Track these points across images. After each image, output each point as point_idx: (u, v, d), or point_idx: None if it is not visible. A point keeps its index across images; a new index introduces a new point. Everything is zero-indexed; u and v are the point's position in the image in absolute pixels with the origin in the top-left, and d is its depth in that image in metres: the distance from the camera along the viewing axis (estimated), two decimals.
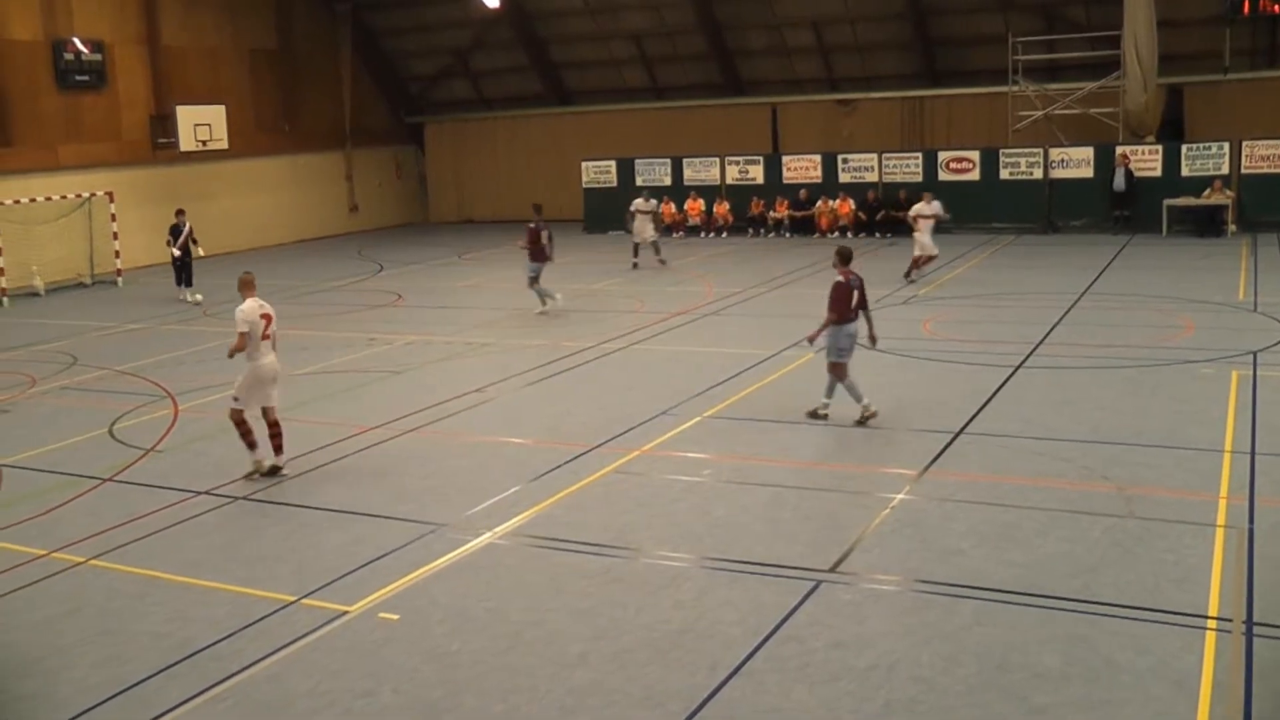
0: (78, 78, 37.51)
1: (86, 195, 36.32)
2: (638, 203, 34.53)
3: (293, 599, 10.67)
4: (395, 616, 10.21)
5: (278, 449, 14.62)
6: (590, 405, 17.56)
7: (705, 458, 14.57)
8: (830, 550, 11.28)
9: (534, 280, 25.82)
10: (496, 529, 12.29)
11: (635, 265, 33.54)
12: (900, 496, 12.79)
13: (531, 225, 25.82)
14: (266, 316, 14.62)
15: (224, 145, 40.12)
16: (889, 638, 9.38)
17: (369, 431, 16.46)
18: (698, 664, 9.10)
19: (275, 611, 10.42)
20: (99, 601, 10.97)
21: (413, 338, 23.58)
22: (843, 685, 8.66)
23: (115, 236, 36.21)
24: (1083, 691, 8.48)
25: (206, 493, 14.04)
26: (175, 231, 30.08)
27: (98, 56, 38.01)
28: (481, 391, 18.68)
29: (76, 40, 37.35)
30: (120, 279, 35.59)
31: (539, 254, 25.73)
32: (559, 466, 14.37)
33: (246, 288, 14.84)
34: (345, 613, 10.32)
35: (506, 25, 46.22)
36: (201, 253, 31.08)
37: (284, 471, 14.52)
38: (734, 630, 9.64)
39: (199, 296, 29.35)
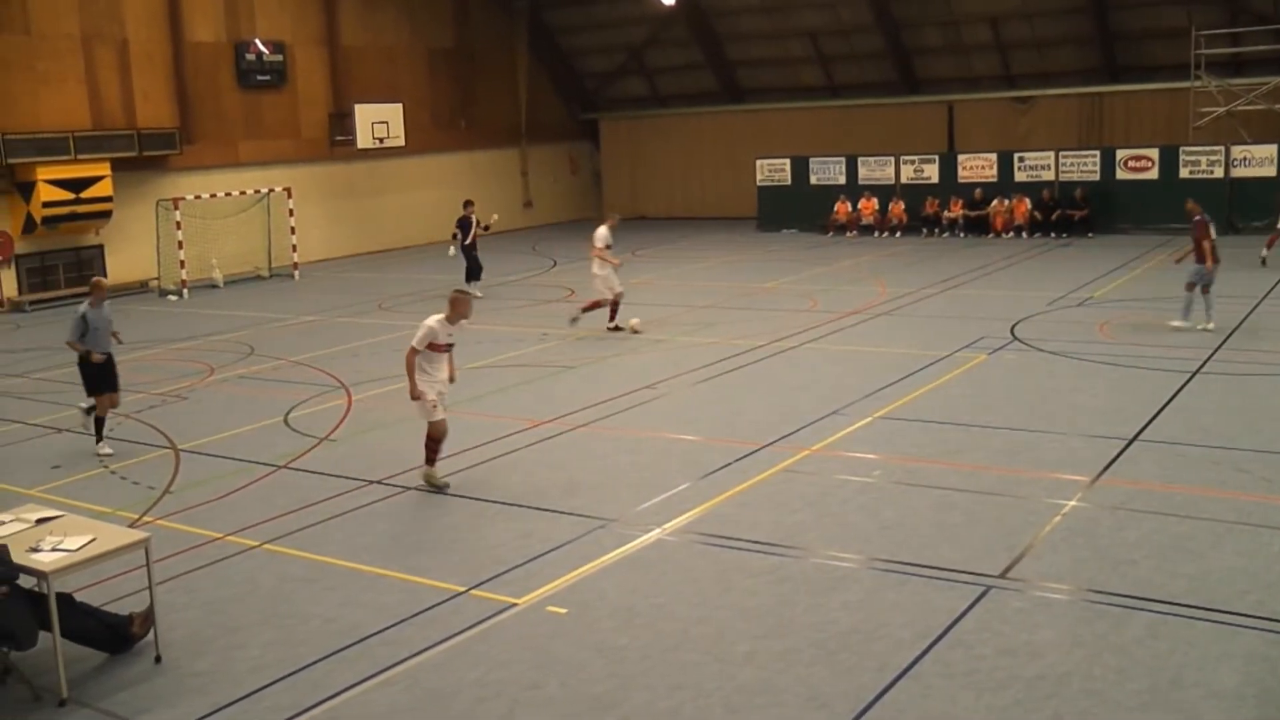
0: (259, 77, 38.68)
1: (265, 191, 37.47)
2: None
3: (462, 589, 10.92)
4: (563, 610, 10.38)
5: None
6: (761, 403, 17.63)
7: (875, 458, 14.56)
8: (1000, 556, 11.21)
9: (1202, 286, 21.69)
10: (665, 525, 12.43)
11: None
12: (1072, 503, 12.64)
13: (1199, 218, 21.94)
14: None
15: (400, 143, 41.07)
16: (1059, 648, 9.30)
17: (541, 425, 16.75)
18: (864, 666, 9.13)
19: (444, 601, 10.69)
20: (271, 585, 11.37)
21: (585, 333, 23.86)
22: (1011, 694, 8.62)
23: (293, 231, 37.31)
24: (1259, 713, 8.30)
25: (378, 482, 14.45)
26: (464, 225, 29.90)
27: (278, 57, 39.15)
28: (653, 388, 18.87)
29: (258, 41, 38.52)
30: (297, 273, 36.62)
31: (1203, 254, 21.71)
32: (729, 464, 14.48)
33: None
34: (514, 605, 10.54)
35: (682, 23, 46.45)
36: (495, 217, 32.11)
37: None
38: (902, 633, 9.65)
39: (479, 294, 29.30)
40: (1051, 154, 39.74)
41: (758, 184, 44.83)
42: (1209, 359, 19.25)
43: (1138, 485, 13.20)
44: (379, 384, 19.91)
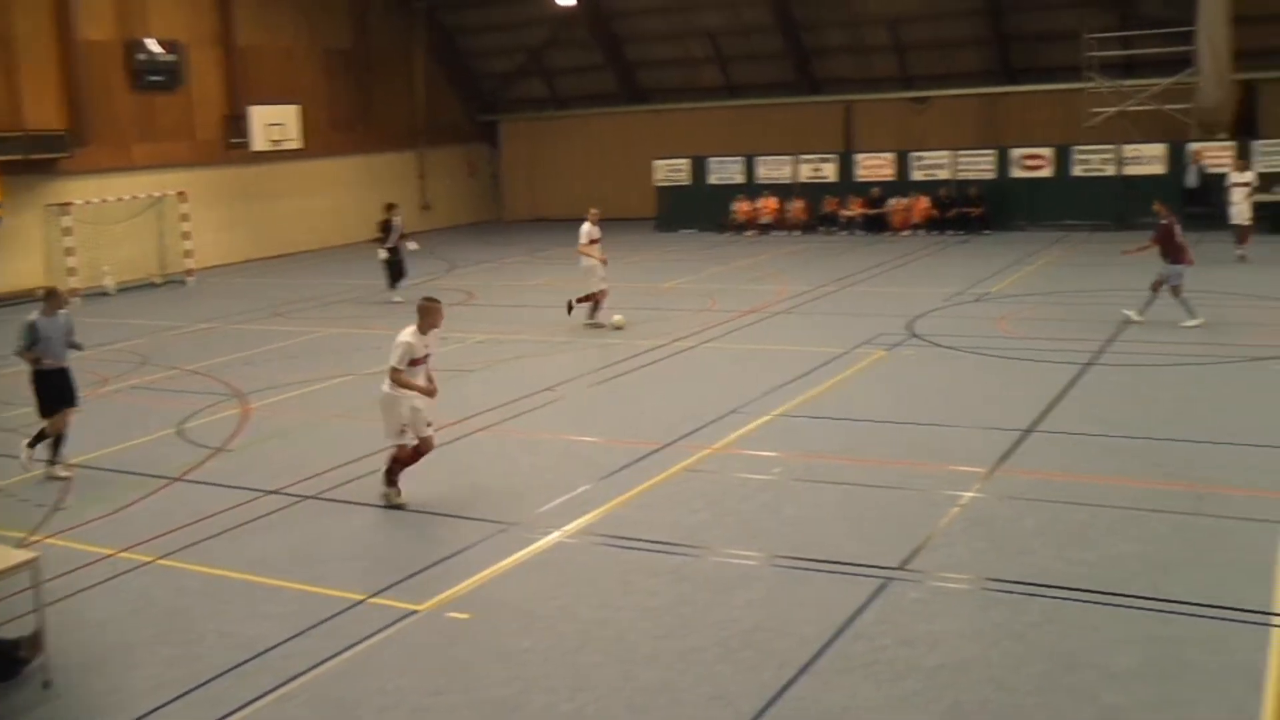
0: (152, 78, 37.65)
1: (159, 195, 36.80)
2: (1232, 175, 31.24)
3: (362, 598, 10.73)
4: (465, 615, 10.26)
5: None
6: (661, 403, 17.60)
7: (775, 456, 14.56)
8: (900, 548, 11.26)
9: (1154, 283, 21.68)
10: (566, 527, 12.33)
11: (1242, 258, 29.57)
12: (970, 495, 12.74)
13: (1164, 222, 21.56)
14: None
15: (297, 145, 40.58)
16: (958, 637, 9.37)
17: (441, 430, 16.50)
18: (766, 663, 9.11)
19: (344, 610, 10.48)
20: (167, 600, 11.07)
21: (484, 336, 23.70)
22: (911, 684, 8.66)
23: (187, 236, 36.73)
24: (1154, 691, 8.45)
25: (275, 492, 14.15)
26: (387, 229, 28.96)
27: (173, 57, 38.18)
28: (553, 390, 18.76)
29: (152, 41, 37.61)
30: (191, 279, 36.04)
31: (1179, 254, 21.43)
32: (629, 465, 14.41)
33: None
34: (415, 611, 10.38)
35: (582, 24, 46.35)
36: (414, 246, 30.22)
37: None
38: (803, 629, 9.64)
39: (398, 298, 28.67)
40: (948, 153, 40.28)
41: (656, 185, 44.93)
42: (1103, 350, 19.53)
43: (1034, 475, 13.34)
44: (276, 391, 19.62)
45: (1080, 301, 24.60)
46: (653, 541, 11.82)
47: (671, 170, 44.56)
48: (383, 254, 29.11)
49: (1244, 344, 19.75)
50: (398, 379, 13.08)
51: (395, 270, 29.04)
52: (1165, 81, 37.83)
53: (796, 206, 41.09)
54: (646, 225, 44.58)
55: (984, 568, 10.73)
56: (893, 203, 39.84)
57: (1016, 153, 39.35)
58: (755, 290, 28.09)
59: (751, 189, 42.48)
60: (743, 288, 28.60)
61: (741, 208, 41.86)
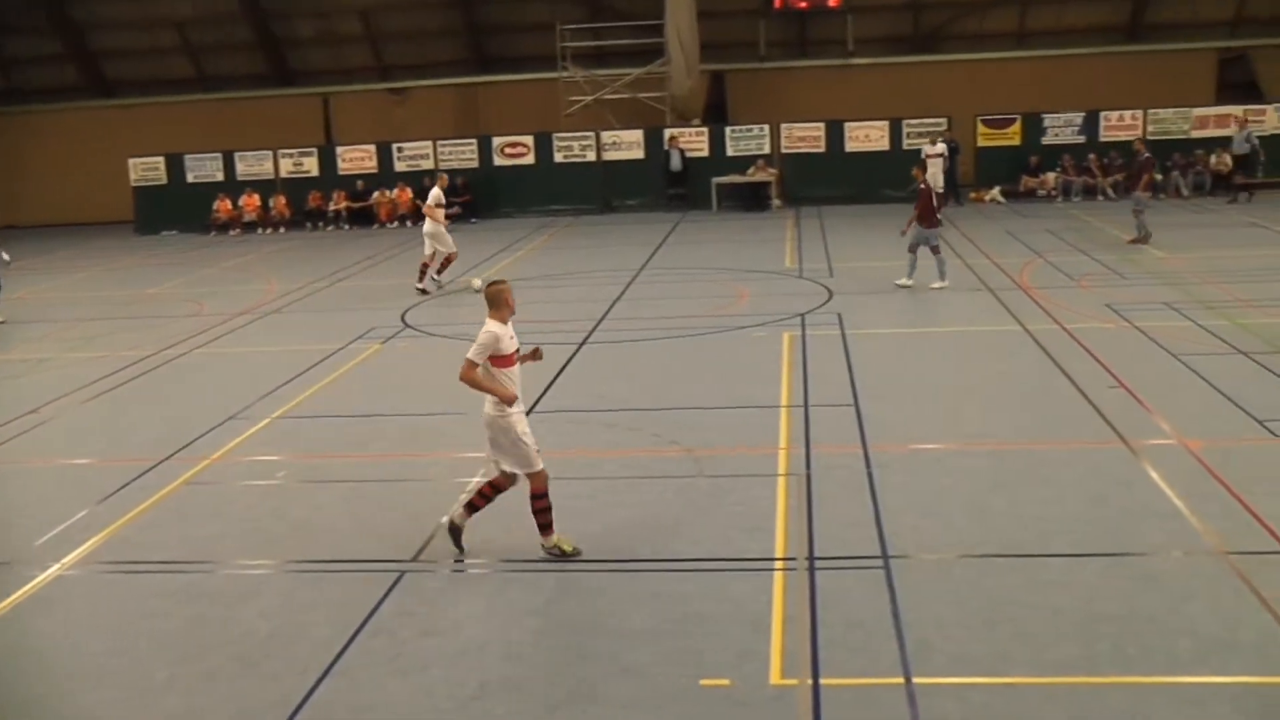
0: None
1: None
2: (925, 148, 33.53)
3: None
4: None
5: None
6: (156, 416, 16.88)
7: (279, 459, 14.29)
8: (412, 540, 11.33)
9: (932, 247, 22.60)
10: (65, 559, 11.57)
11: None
12: (477, 480, 12.82)
13: (923, 187, 22.91)
14: None
15: None
16: (478, 620, 9.54)
17: None
18: (288, 670, 8.97)
19: None
20: None
21: None
22: (436, 672, 8.74)
23: None
24: (670, 645, 8.91)
25: None
26: None
27: None
28: (37, 412, 17.58)
29: None
30: None
31: (933, 218, 22.49)
32: (128, 484, 13.74)
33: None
34: None
35: (38, 8, 43.65)
36: (7, 258, 26.27)
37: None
38: (322, 631, 9.56)
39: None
40: (430, 143, 40.71)
41: (133, 184, 43.11)
42: (594, 329, 20.28)
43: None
44: None
45: (569, 284, 25.42)
46: (160, 562, 11.36)
47: (147, 169, 42.86)
48: None
49: (725, 314, 21.00)
50: (470, 376, 10.55)
51: None
52: (638, 71, 39.87)
53: (279, 203, 40.49)
54: (126, 228, 42.71)
55: (498, 549, 10.96)
56: (377, 195, 39.93)
57: (498, 141, 40.35)
58: (245, 290, 27.46)
59: (233, 186, 41.49)
60: (231, 289, 27.89)
61: (223, 206, 40.84)
